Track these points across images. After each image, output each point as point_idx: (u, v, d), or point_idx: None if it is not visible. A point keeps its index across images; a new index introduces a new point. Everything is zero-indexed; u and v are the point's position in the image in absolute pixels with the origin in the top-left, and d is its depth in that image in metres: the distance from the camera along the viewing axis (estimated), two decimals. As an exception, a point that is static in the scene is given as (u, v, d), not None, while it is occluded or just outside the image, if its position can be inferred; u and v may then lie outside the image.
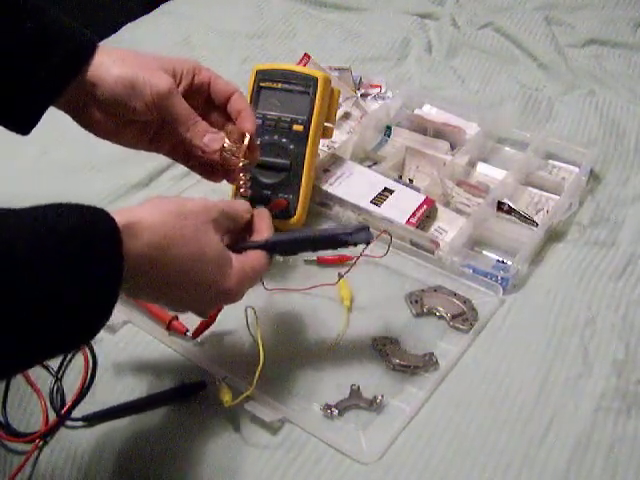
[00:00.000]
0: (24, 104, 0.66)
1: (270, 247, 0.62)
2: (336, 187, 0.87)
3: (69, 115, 0.70)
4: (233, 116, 0.71)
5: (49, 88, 0.66)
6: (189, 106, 0.68)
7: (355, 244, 0.64)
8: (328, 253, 0.81)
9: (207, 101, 0.71)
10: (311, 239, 0.66)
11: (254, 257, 0.61)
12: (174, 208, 0.56)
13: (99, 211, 0.52)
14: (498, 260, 0.79)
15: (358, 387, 0.67)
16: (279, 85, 0.83)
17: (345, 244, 0.64)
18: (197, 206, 0.58)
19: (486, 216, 0.84)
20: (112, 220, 0.51)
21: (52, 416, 0.66)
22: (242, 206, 0.64)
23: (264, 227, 0.65)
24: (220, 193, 0.82)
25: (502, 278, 0.77)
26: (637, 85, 1.14)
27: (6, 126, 0.68)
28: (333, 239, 0.64)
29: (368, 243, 0.64)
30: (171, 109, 0.68)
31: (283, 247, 0.64)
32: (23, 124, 0.68)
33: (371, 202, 0.84)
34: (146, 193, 0.91)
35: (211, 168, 0.73)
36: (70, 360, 0.70)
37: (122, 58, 0.67)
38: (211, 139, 0.69)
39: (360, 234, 0.63)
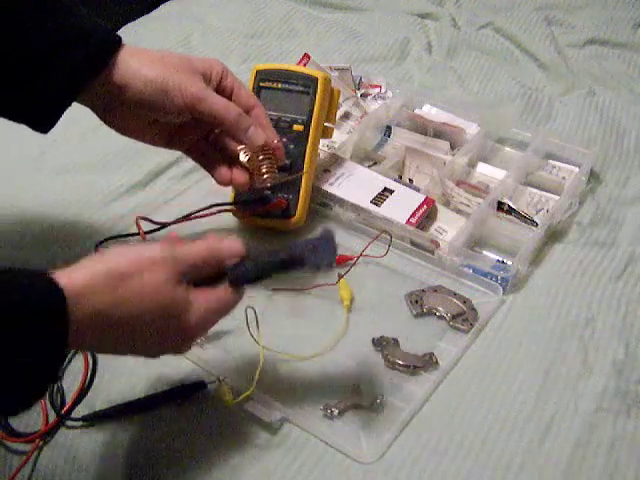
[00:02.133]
0: (44, 102, 0.67)
1: (232, 280, 0.58)
2: (336, 187, 0.87)
3: (94, 112, 0.70)
4: None
5: (69, 87, 0.66)
6: (227, 100, 0.69)
7: (317, 266, 0.59)
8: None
9: None
10: (268, 265, 0.60)
11: (219, 294, 0.58)
12: (120, 267, 0.53)
13: (44, 283, 0.49)
14: (498, 260, 0.79)
15: (358, 387, 0.67)
16: (279, 85, 0.83)
17: (302, 265, 0.59)
18: (146, 261, 0.54)
19: (486, 216, 0.84)
20: (59, 292, 0.48)
21: (52, 416, 0.66)
22: (201, 251, 0.58)
23: None
24: (221, 195, 0.82)
25: (502, 278, 0.77)
26: (637, 85, 1.14)
27: (26, 123, 0.69)
28: (290, 261, 0.59)
29: (330, 265, 0.59)
30: (207, 110, 0.68)
31: (243, 277, 0.59)
32: (43, 122, 0.68)
33: (371, 202, 0.84)
34: (146, 193, 0.91)
35: (228, 170, 0.73)
36: (70, 360, 0.70)
37: (151, 60, 0.67)
38: (255, 132, 0.70)
39: (318, 254, 0.58)
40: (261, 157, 0.73)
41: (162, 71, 0.67)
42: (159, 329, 0.55)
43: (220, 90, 0.71)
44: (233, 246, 0.59)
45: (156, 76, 0.66)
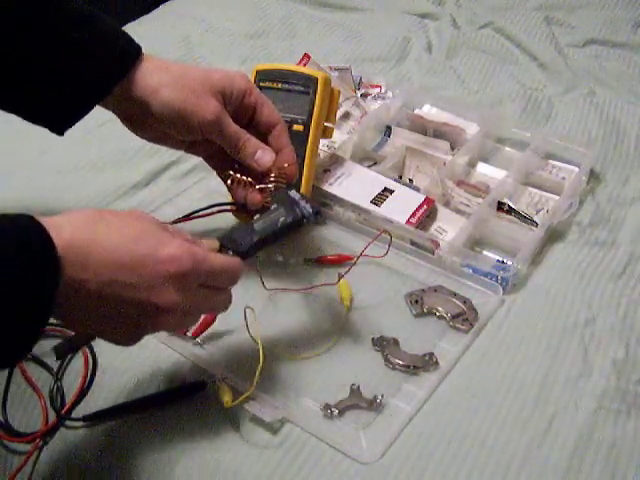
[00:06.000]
0: (60, 109, 0.69)
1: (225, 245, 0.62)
2: (336, 187, 0.87)
3: (118, 118, 0.73)
4: (274, 148, 0.72)
5: (87, 95, 0.68)
6: (237, 127, 0.70)
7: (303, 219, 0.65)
8: (327, 252, 0.81)
9: (250, 122, 0.73)
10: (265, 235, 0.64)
11: (226, 258, 0.60)
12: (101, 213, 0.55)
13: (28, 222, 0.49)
14: (498, 260, 0.79)
15: (358, 387, 0.67)
16: (279, 85, 0.83)
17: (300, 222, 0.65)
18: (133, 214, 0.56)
19: (486, 216, 0.84)
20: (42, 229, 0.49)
21: (52, 416, 0.66)
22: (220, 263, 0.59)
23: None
24: (221, 195, 0.82)
25: (502, 278, 0.77)
26: (637, 85, 1.14)
27: (44, 126, 0.70)
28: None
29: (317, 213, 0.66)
30: (219, 135, 0.70)
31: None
32: (61, 125, 0.70)
33: (371, 202, 0.84)
34: (146, 193, 0.91)
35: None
36: (70, 360, 0.70)
37: (171, 79, 0.68)
38: (261, 156, 0.71)
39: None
40: (272, 177, 0.72)
41: (180, 94, 0.68)
42: (140, 252, 0.54)
43: (242, 108, 0.72)
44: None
45: (174, 99, 0.68)
